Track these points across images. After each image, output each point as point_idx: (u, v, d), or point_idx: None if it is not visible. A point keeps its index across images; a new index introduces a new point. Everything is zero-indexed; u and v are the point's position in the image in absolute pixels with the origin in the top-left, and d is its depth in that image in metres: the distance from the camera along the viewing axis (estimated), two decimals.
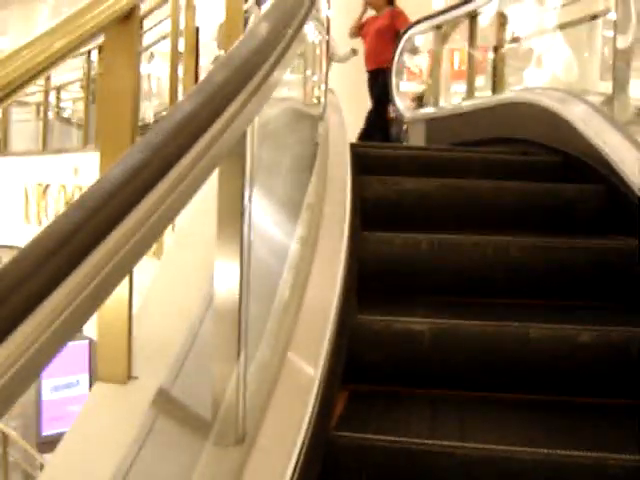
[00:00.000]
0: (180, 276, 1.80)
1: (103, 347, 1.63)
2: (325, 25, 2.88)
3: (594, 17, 4.56)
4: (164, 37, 5.58)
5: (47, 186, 7.30)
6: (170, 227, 1.12)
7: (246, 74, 1.19)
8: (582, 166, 3.02)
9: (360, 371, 2.04)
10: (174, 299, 1.77)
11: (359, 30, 6.58)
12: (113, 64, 1.69)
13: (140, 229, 0.81)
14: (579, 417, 1.89)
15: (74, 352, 8.02)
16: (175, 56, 4.33)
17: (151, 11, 4.39)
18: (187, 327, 1.61)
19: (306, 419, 1.47)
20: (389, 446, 1.69)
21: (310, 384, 1.58)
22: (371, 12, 6.62)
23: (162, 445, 1.44)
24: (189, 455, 1.41)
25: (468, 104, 5.10)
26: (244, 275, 1.30)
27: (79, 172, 6.67)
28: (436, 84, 5.84)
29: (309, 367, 1.63)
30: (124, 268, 0.80)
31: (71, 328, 0.70)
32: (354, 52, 6.66)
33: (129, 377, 1.58)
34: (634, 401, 1.95)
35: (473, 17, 5.06)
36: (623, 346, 2.00)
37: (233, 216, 1.30)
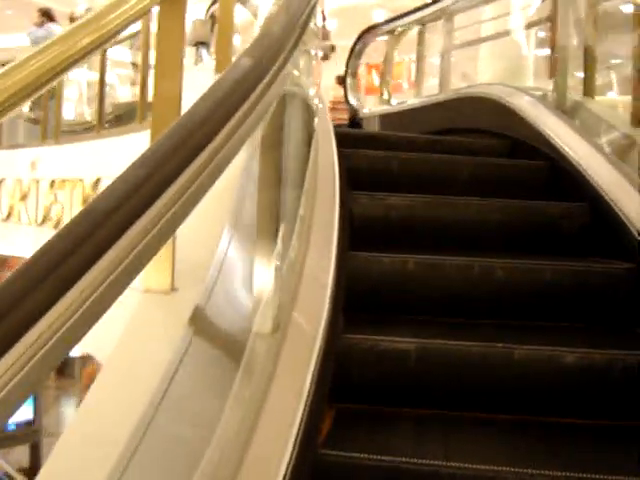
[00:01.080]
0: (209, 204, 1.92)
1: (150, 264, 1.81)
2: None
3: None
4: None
5: (1, 180, 7.26)
6: None
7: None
8: (528, 147, 3.56)
9: (346, 390, 2.06)
10: (203, 222, 1.91)
11: None
12: (166, 33, 1.90)
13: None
14: (563, 437, 1.91)
15: None
16: (146, 54, 4.49)
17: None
18: (217, 249, 1.85)
19: (292, 439, 1.48)
20: (375, 465, 1.71)
21: (297, 403, 1.59)
22: None
23: (208, 339, 1.71)
24: (233, 344, 1.71)
25: (421, 100, 5.70)
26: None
27: (37, 166, 6.67)
28: (388, 84, 6.66)
29: (296, 385, 1.65)
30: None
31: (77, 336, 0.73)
32: (333, 48, 6.84)
33: (172, 289, 1.83)
34: (617, 422, 1.98)
35: (422, 25, 5.82)
36: (606, 368, 2.03)
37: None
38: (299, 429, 1.51)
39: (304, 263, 2.04)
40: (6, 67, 1.36)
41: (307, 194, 2.27)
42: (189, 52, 7.48)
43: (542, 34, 5.68)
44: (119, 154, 5.46)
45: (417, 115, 5.40)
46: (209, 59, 7.43)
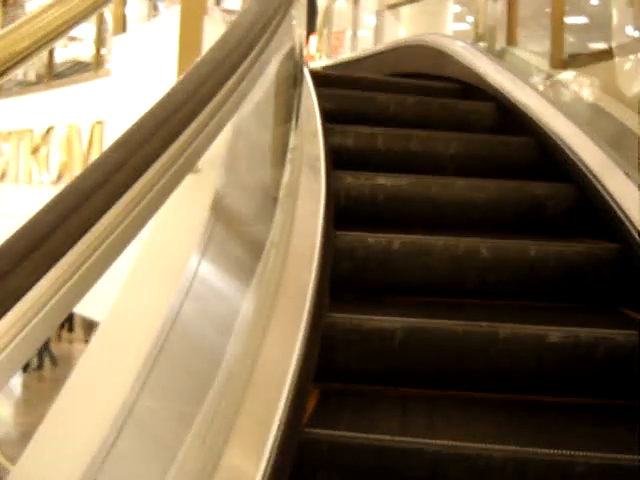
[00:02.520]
0: None
1: None
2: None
3: None
4: None
5: None
6: None
7: None
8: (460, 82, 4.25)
9: (331, 369, 2.05)
10: None
11: None
12: None
13: None
14: (547, 415, 1.92)
15: None
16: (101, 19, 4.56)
17: None
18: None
19: (278, 416, 1.48)
20: (360, 443, 1.70)
21: (282, 381, 1.58)
22: None
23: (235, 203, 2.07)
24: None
25: (360, 53, 6.37)
26: None
27: None
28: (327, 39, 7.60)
29: (281, 364, 1.64)
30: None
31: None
32: None
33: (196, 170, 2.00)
34: (601, 400, 1.99)
35: None
36: (590, 347, 2.03)
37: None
38: (285, 407, 1.51)
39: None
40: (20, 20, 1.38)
41: None
42: (140, 4, 7.23)
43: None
44: (74, 101, 5.47)
45: (358, 65, 5.87)
46: (168, 11, 7.22)
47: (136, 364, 1.49)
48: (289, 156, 2.32)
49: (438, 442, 1.68)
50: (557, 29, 3.84)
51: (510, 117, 3.56)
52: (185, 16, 2.20)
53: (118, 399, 1.41)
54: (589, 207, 2.74)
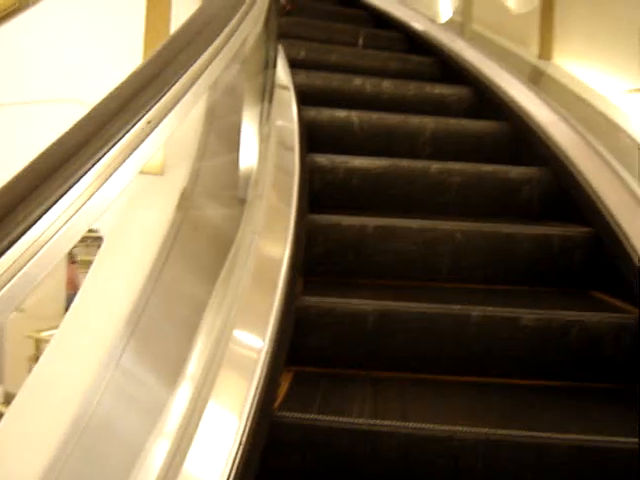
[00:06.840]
0: None
1: None
2: None
3: None
4: None
5: None
6: None
7: None
8: None
9: (304, 352, 2.04)
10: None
11: None
12: None
13: None
14: (519, 398, 1.92)
15: None
16: None
17: None
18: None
19: (249, 400, 1.47)
20: (332, 426, 1.69)
21: (254, 365, 1.57)
22: None
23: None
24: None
25: None
26: None
27: None
28: None
29: (254, 347, 1.62)
30: None
31: None
32: None
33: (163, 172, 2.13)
34: (570, 383, 2.00)
35: None
36: (562, 329, 2.04)
37: None
38: (256, 391, 1.49)
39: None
40: None
41: None
42: None
43: None
44: None
45: None
46: None
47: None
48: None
49: (410, 425, 1.67)
50: None
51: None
52: None
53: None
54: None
